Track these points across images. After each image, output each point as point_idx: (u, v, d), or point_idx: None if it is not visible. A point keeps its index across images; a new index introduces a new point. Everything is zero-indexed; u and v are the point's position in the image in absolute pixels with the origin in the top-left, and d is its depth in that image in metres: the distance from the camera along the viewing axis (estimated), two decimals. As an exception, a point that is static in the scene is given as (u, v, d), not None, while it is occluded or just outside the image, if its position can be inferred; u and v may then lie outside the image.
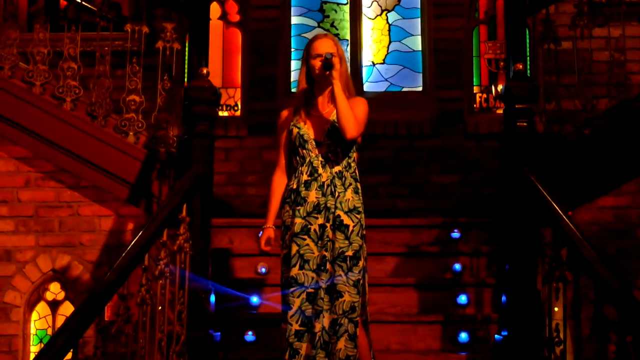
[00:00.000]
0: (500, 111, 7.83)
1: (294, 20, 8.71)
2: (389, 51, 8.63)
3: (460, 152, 8.17)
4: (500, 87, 5.82)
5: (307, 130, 4.95)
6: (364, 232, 4.88)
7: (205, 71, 5.70)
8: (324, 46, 4.93)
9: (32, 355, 6.53)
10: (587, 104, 6.34)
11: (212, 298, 5.55)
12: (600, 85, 6.55)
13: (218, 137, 6.00)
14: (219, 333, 5.65)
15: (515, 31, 6.06)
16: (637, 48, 7.03)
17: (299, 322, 4.73)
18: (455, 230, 6.56)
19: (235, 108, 8.58)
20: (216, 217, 6.12)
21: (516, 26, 6.06)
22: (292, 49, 8.64)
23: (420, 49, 8.58)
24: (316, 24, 8.70)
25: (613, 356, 4.42)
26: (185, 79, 7.83)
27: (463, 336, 5.77)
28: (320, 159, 4.89)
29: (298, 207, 4.84)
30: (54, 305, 6.69)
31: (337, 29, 8.65)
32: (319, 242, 4.79)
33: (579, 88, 6.42)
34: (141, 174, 6.36)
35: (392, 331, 5.80)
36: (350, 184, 4.89)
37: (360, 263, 4.79)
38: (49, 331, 6.68)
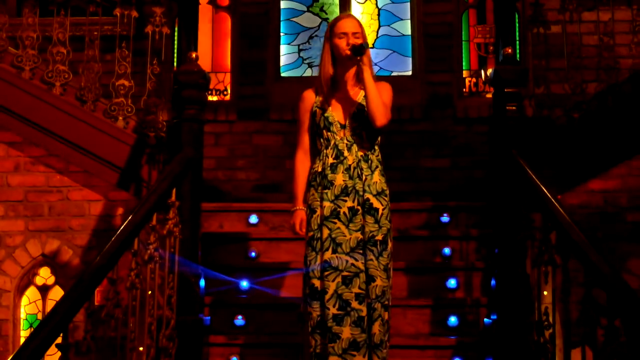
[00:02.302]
0: (489, 95, 7.82)
1: (283, 4, 8.69)
2: (379, 35, 8.62)
3: (450, 136, 8.17)
4: (489, 71, 5.81)
5: (332, 112, 4.94)
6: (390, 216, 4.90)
7: (194, 55, 5.68)
8: (350, 25, 4.93)
9: (23, 340, 6.53)
10: (577, 87, 6.35)
11: (202, 282, 5.54)
12: (590, 69, 6.56)
13: (207, 122, 6.00)
14: (209, 317, 5.66)
15: (504, 15, 6.06)
16: (626, 32, 7.01)
17: (337, 306, 4.70)
18: (445, 214, 6.56)
19: (225, 92, 8.57)
20: (206, 201, 6.12)
21: (505, 10, 6.06)
22: (282, 34, 8.62)
23: (409, 33, 8.57)
24: (305, 8, 8.68)
25: (602, 339, 4.43)
26: (175, 64, 7.83)
27: (452, 320, 5.78)
28: (346, 141, 4.88)
29: (325, 191, 4.83)
30: (44, 289, 6.69)
31: (326, 13, 8.64)
32: (350, 224, 4.77)
33: (568, 72, 6.43)
34: (131, 159, 6.36)
35: (381, 315, 5.80)
36: (377, 167, 4.90)
37: (389, 247, 4.81)
38: (39, 316, 6.69)
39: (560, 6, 6.58)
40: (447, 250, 6.24)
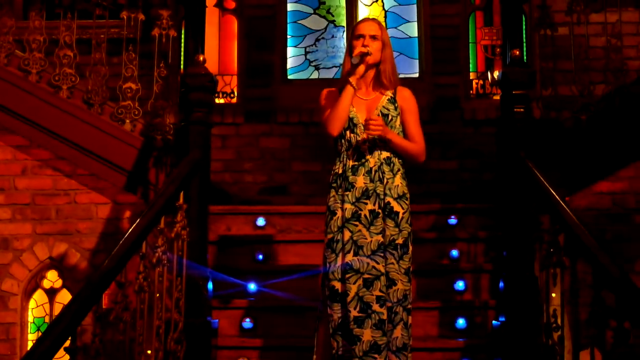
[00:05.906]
0: (497, 97, 7.82)
1: (290, 6, 8.69)
2: (385, 38, 8.61)
3: (458, 138, 8.16)
4: (496, 74, 5.82)
5: (356, 113, 4.89)
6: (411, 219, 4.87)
7: (201, 58, 5.68)
8: (367, 28, 4.94)
9: (30, 343, 6.53)
10: (584, 89, 6.34)
11: (210, 285, 5.54)
12: (597, 71, 6.54)
13: (214, 124, 5.99)
14: (217, 320, 5.65)
15: (511, 17, 6.05)
16: (634, 33, 7.02)
17: (358, 309, 4.66)
18: (453, 217, 6.56)
19: (232, 95, 8.57)
20: (213, 204, 6.10)
21: (512, 12, 6.06)
22: (288, 36, 8.62)
23: (416, 35, 8.57)
24: (312, 11, 8.68)
25: (611, 341, 4.42)
26: (182, 66, 7.82)
27: (461, 322, 5.77)
28: (368, 143, 4.83)
29: (346, 193, 4.78)
30: (52, 293, 6.69)
31: (332, 16, 8.64)
32: (371, 227, 4.73)
33: (575, 74, 6.42)
34: (138, 162, 6.36)
35: (389, 317, 5.79)
36: (399, 170, 4.87)
37: (410, 250, 4.78)
38: (47, 319, 6.68)
39: (567, 8, 6.57)
40: (454, 253, 6.24)
